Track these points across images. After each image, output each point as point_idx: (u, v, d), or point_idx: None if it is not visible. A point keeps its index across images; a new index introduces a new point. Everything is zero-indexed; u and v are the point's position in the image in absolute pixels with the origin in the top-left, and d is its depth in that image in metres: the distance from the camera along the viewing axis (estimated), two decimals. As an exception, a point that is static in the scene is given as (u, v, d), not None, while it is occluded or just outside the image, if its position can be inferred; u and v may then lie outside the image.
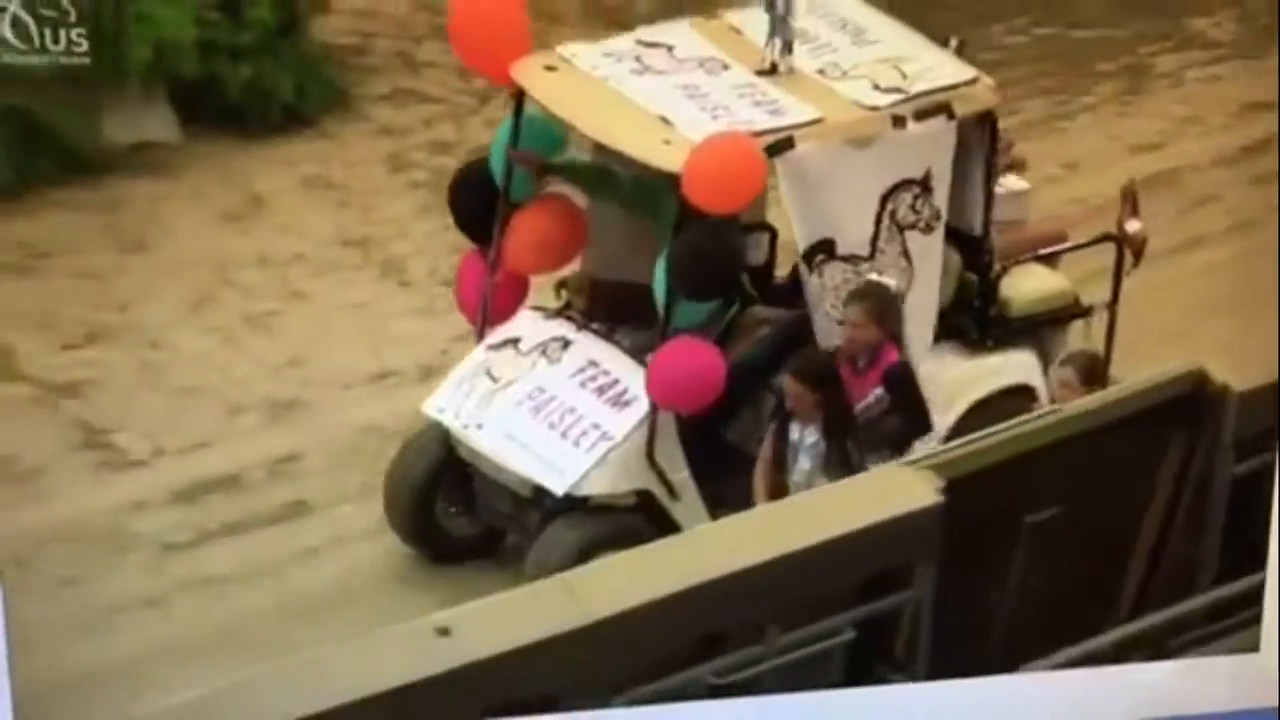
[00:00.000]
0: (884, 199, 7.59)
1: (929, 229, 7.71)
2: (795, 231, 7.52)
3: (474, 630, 6.19)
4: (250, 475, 7.93)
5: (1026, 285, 8.19)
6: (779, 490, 7.38)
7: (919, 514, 6.63)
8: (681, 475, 7.59)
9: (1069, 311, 8.26)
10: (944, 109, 7.59)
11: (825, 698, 6.31)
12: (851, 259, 7.61)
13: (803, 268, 7.65)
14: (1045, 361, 8.28)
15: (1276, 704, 6.52)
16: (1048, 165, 8.89)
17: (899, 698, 6.45)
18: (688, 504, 7.53)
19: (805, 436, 7.21)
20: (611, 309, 7.92)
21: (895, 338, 7.54)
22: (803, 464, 7.25)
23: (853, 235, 7.58)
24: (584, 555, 7.36)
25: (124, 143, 8.52)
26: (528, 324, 7.96)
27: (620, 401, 7.59)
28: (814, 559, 6.47)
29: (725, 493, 7.67)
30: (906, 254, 7.70)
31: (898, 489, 6.71)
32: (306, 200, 8.54)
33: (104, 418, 7.95)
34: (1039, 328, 8.22)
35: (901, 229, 7.66)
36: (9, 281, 8.01)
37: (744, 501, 7.56)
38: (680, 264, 7.40)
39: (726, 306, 7.88)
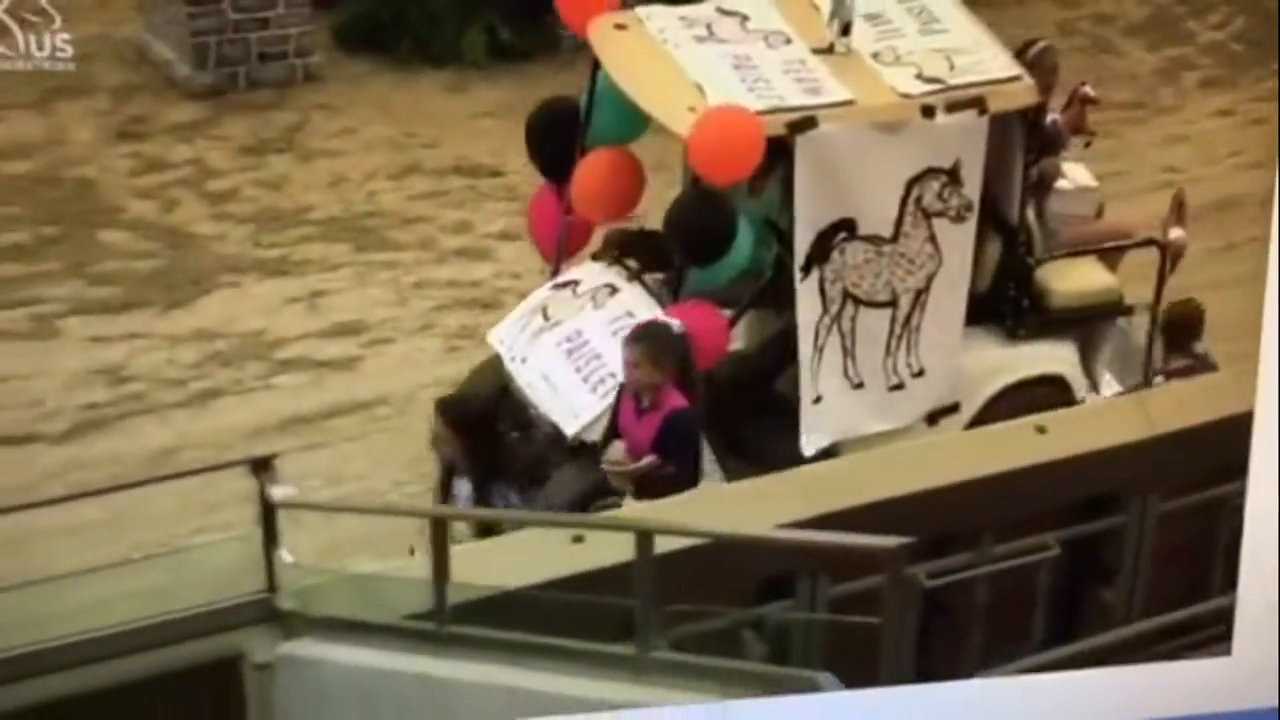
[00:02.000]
0: (909, 184, 7.69)
1: (959, 218, 7.80)
2: (799, 214, 7.57)
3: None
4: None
5: (1070, 279, 8.25)
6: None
7: None
8: None
9: (1111, 308, 8.31)
10: (977, 104, 7.64)
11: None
12: (874, 239, 7.74)
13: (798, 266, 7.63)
14: (1090, 354, 8.38)
15: (1244, 709, 6.50)
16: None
17: (871, 701, 6.52)
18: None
19: (461, 488, 7.10)
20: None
21: (683, 379, 7.29)
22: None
23: (875, 216, 7.71)
24: (588, 500, 7.58)
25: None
26: (590, 268, 8.26)
27: None
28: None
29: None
30: (934, 240, 7.81)
31: None
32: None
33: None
34: (1082, 321, 8.29)
35: (928, 216, 7.75)
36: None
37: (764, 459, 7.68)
38: (669, 226, 7.67)
39: (757, 275, 7.91)
